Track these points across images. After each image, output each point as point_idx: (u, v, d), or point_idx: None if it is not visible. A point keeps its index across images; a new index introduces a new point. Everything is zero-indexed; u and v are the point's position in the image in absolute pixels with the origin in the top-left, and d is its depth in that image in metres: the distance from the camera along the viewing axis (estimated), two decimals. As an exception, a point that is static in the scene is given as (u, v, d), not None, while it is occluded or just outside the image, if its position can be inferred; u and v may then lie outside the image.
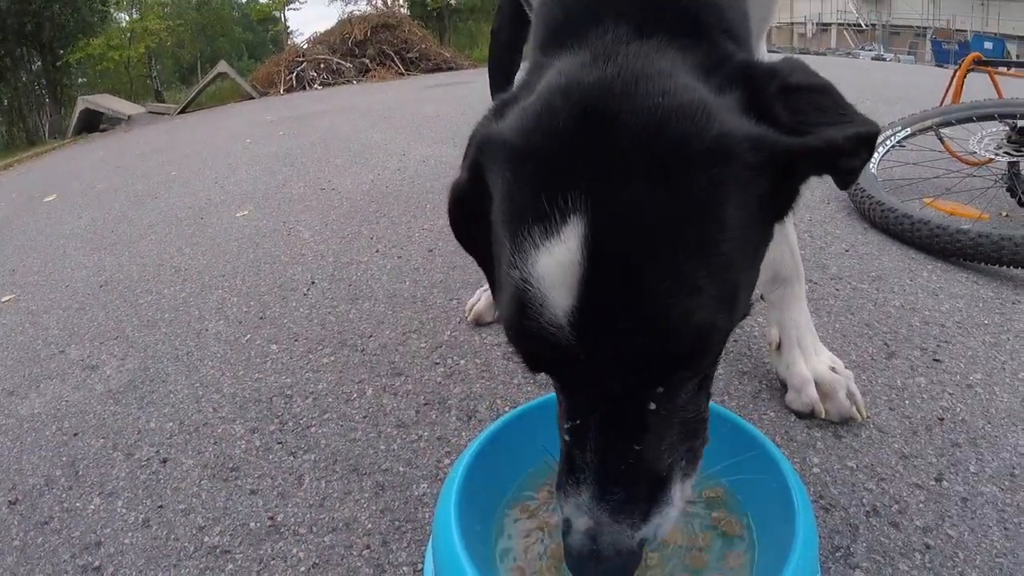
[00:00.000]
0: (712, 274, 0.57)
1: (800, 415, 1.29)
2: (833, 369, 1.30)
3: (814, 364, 1.31)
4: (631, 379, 0.61)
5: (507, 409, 1.35)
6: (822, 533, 1.03)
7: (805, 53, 19.08)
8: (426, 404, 1.43)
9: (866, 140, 0.63)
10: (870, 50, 25.48)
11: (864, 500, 1.09)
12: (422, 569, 1.02)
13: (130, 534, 1.17)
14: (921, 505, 1.08)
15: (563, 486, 0.68)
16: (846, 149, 0.62)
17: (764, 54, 1.25)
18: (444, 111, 5.58)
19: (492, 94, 2.09)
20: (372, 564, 1.05)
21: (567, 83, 0.63)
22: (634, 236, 0.55)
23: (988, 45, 18.23)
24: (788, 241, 1.32)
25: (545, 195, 0.57)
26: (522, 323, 0.59)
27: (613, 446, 0.64)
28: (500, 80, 2.03)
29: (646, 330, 0.56)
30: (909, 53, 25.30)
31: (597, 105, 0.59)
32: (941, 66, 11.97)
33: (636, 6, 0.70)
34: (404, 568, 1.04)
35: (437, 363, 1.59)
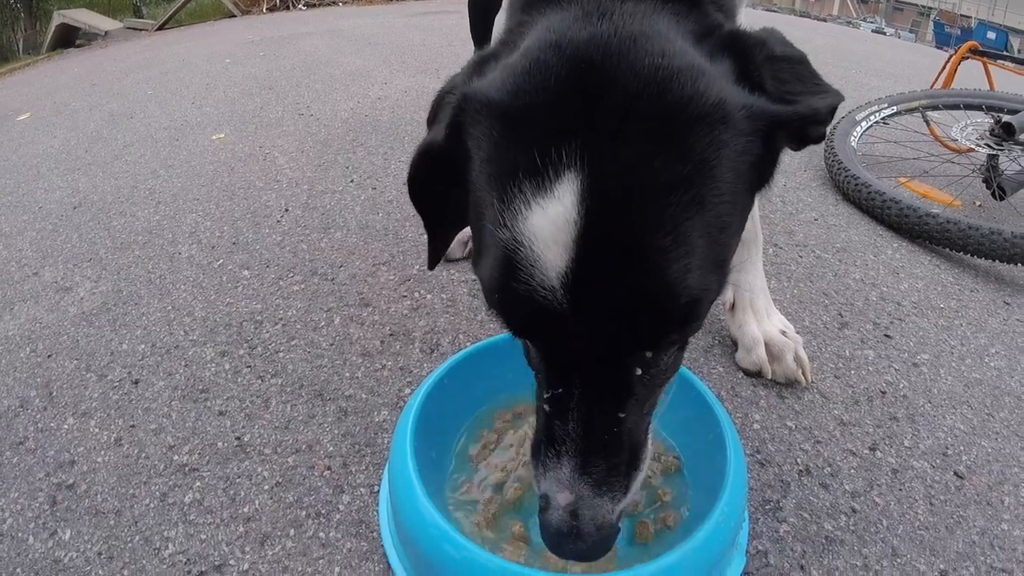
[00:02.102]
0: (707, 235, 0.57)
1: (748, 373, 1.35)
2: (784, 333, 1.35)
3: (766, 326, 1.36)
4: (621, 342, 0.59)
5: (468, 344, 1.39)
6: (755, 487, 1.09)
7: (805, 16, 18.75)
8: (391, 335, 1.47)
9: (835, 109, 0.65)
10: (871, 22, 25.17)
11: (798, 460, 1.15)
12: (379, 491, 1.08)
13: (103, 453, 1.21)
14: (852, 471, 1.14)
15: (542, 460, 0.67)
16: (822, 118, 0.64)
17: (742, 20, 1.26)
18: (430, 40, 5.46)
19: (472, 30, 2.07)
20: (332, 484, 1.10)
21: (558, 39, 0.61)
22: (632, 193, 0.54)
23: (991, 35, 17.90)
24: None
25: (538, 150, 0.55)
26: (510, 285, 0.57)
27: (597, 414, 0.63)
28: (479, 16, 2.01)
29: (643, 290, 0.55)
30: (910, 31, 25.05)
31: (593, 61, 0.57)
32: (941, 48, 11.87)
33: None
34: (362, 489, 1.09)
35: (404, 296, 1.62)
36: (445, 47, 5.11)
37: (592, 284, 0.55)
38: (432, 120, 0.74)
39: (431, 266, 0.91)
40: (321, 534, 1.02)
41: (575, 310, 0.56)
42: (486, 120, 0.61)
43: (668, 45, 0.60)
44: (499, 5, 1.97)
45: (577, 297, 0.55)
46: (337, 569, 0.97)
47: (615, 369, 0.62)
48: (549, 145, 0.55)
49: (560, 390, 0.64)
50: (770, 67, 0.65)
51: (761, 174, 0.67)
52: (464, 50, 1.99)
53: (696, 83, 0.57)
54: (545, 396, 0.66)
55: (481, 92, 0.62)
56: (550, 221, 0.54)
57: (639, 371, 0.63)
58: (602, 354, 0.60)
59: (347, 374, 1.36)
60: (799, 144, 0.68)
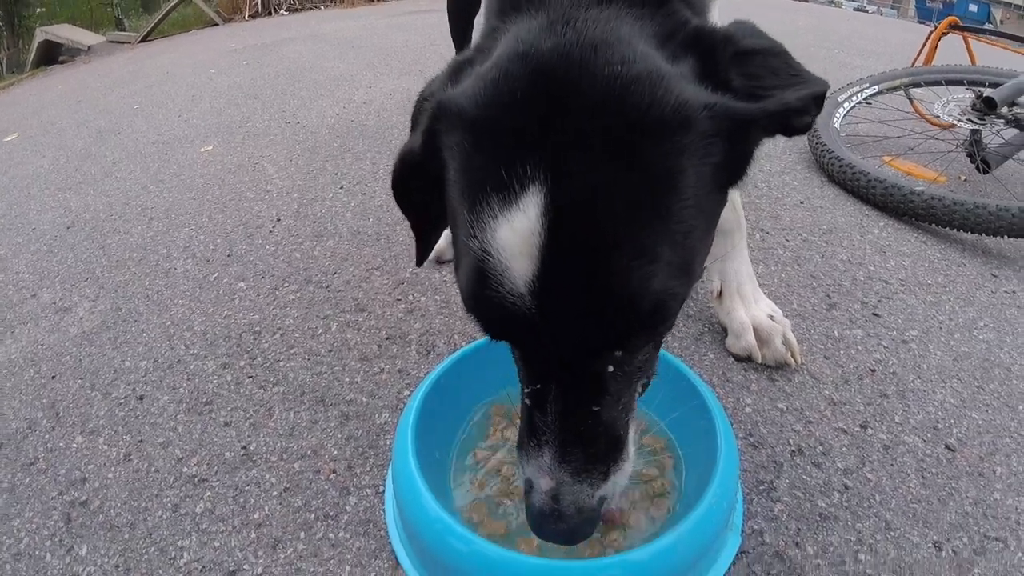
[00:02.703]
0: (671, 241, 0.58)
1: (738, 358, 1.38)
2: (772, 317, 1.37)
3: (753, 312, 1.38)
4: (590, 346, 0.62)
5: (464, 344, 1.41)
6: (748, 468, 1.12)
7: (787, -3, 18.74)
8: (388, 339, 1.50)
9: (818, 98, 0.65)
10: (853, 0, 25.15)
11: (791, 440, 1.18)
12: (383, 491, 1.11)
13: (113, 469, 1.23)
14: (844, 449, 1.16)
15: (525, 447, 0.70)
16: (800, 109, 0.63)
17: (716, 18, 1.27)
18: (413, 40, 5.46)
19: (452, 32, 2.09)
20: (338, 487, 1.13)
21: (524, 50, 0.62)
22: (593, 205, 0.55)
23: (973, 7, 17.69)
24: (730, 196, 1.37)
25: (503, 165, 0.57)
26: (482, 293, 0.59)
27: (573, 409, 0.66)
28: (458, 19, 2.02)
29: (606, 298, 0.57)
30: (892, 7, 25.06)
31: (555, 73, 0.58)
32: (923, 23, 11.86)
33: None
34: (367, 490, 1.12)
35: (399, 299, 1.65)
36: (428, 47, 5.11)
37: (558, 291, 0.57)
38: (415, 124, 0.76)
39: (419, 263, 0.93)
40: (330, 535, 1.05)
41: (543, 316, 0.58)
42: (458, 131, 0.63)
43: (628, 51, 0.60)
44: (478, 7, 1.99)
45: (544, 304, 0.58)
46: (348, 568, 1.00)
47: (587, 368, 0.65)
48: (514, 159, 0.56)
49: (538, 386, 0.67)
50: (738, 62, 0.65)
51: (732, 171, 0.67)
52: (447, 50, 2.00)
53: (654, 89, 0.58)
54: (526, 391, 0.69)
55: (454, 102, 0.63)
56: (516, 233, 0.56)
57: (612, 368, 0.66)
58: (573, 355, 0.63)
59: (347, 379, 1.39)
60: (786, 135, 0.69)
